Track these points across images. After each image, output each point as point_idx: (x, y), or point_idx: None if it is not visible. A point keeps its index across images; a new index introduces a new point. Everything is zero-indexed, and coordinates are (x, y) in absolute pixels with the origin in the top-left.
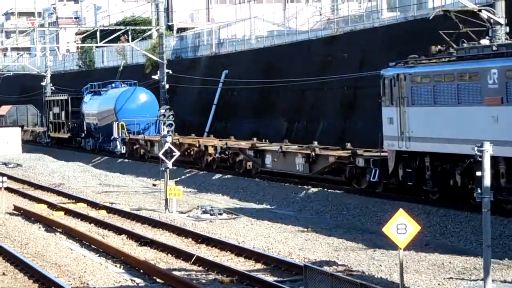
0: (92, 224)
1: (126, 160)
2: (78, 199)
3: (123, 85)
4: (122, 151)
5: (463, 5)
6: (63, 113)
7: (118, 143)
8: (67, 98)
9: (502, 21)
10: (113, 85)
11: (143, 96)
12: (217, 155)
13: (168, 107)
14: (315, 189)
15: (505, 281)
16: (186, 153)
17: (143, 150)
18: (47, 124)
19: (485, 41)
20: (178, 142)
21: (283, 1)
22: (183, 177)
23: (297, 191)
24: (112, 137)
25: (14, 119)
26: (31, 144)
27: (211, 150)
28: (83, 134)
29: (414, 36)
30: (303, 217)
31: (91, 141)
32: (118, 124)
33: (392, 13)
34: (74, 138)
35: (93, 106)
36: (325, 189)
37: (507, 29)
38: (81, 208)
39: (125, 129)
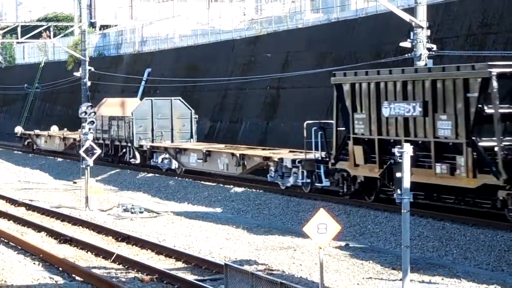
0: (11, 221)
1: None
2: None
3: None
4: None
5: (385, 8)
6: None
7: None
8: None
9: (424, 24)
10: None
11: None
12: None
13: (90, 104)
14: (237, 189)
15: (423, 281)
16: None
17: None
18: (329, 143)
19: (406, 44)
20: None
21: (206, 0)
22: (104, 175)
23: (219, 190)
24: None
25: (146, 124)
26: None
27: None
28: None
29: (337, 38)
30: (224, 216)
31: None
32: None
33: (315, 15)
34: None
35: None
36: (247, 189)
37: (428, 32)
38: None
39: None
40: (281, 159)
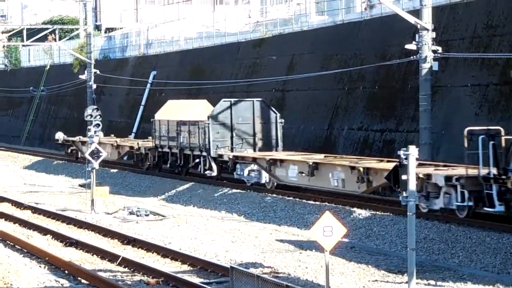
0: (17, 224)
1: (55, 162)
2: (2, 199)
3: None
4: None
5: (390, 10)
6: None
7: None
8: None
9: (429, 26)
10: None
11: None
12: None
13: (95, 107)
14: (242, 191)
15: (428, 284)
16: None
17: None
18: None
19: (411, 46)
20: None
21: (212, 2)
22: (109, 178)
23: (225, 193)
24: None
25: (225, 130)
26: None
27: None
28: None
29: (342, 40)
30: (229, 219)
31: None
32: None
33: (320, 17)
34: None
35: None
36: (251, 191)
37: (434, 35)
38: (5, 207)
39: None
40: (429, 176)
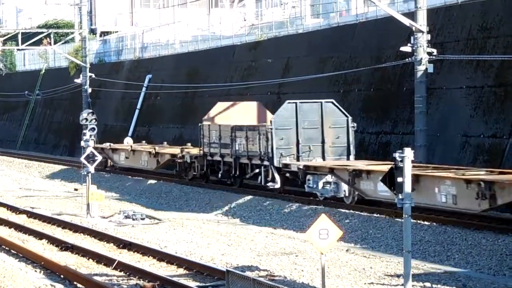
0: (12, 229)
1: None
2: None
3: None
4: None
5: (385, 12)
6: None
7: None
8: None
9: (424, 28)
10: None
11: None
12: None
13: (91, 111)
14: (239, 195)
15: (424, 287)
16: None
17: None
18: None
19: (406, 48)
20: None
21: (207, 6)
22: (105, 182)
23: (220, 196)
24: None
25: (289, 136)
26: None
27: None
28: None
29: (337, 43)
30: (225, 222)
31: None
32: None
33: (316, 20)
34: None
35: None
36: (248, 195)
37: (428, 37)
38: (0, 212)
39: None
40: None
